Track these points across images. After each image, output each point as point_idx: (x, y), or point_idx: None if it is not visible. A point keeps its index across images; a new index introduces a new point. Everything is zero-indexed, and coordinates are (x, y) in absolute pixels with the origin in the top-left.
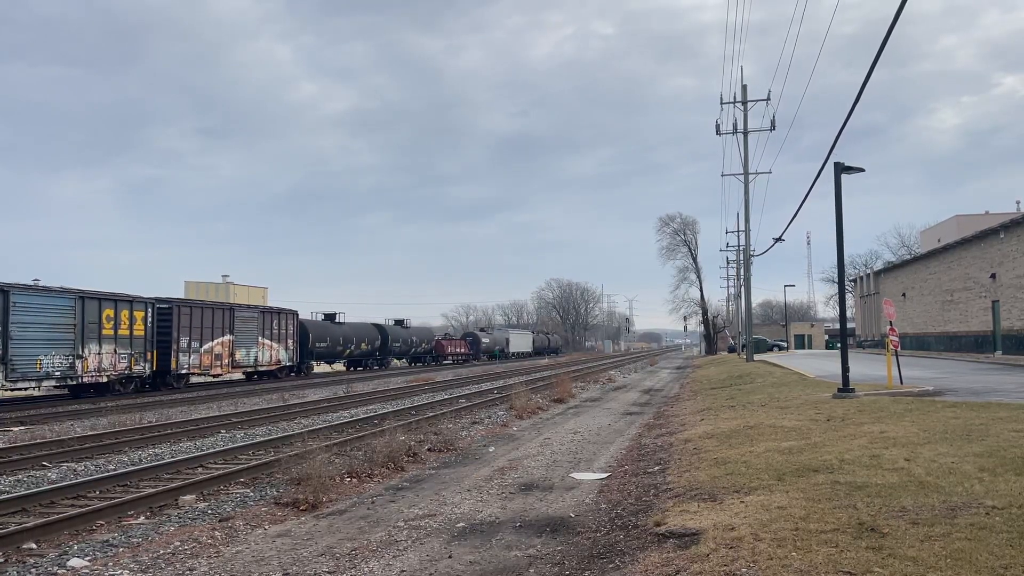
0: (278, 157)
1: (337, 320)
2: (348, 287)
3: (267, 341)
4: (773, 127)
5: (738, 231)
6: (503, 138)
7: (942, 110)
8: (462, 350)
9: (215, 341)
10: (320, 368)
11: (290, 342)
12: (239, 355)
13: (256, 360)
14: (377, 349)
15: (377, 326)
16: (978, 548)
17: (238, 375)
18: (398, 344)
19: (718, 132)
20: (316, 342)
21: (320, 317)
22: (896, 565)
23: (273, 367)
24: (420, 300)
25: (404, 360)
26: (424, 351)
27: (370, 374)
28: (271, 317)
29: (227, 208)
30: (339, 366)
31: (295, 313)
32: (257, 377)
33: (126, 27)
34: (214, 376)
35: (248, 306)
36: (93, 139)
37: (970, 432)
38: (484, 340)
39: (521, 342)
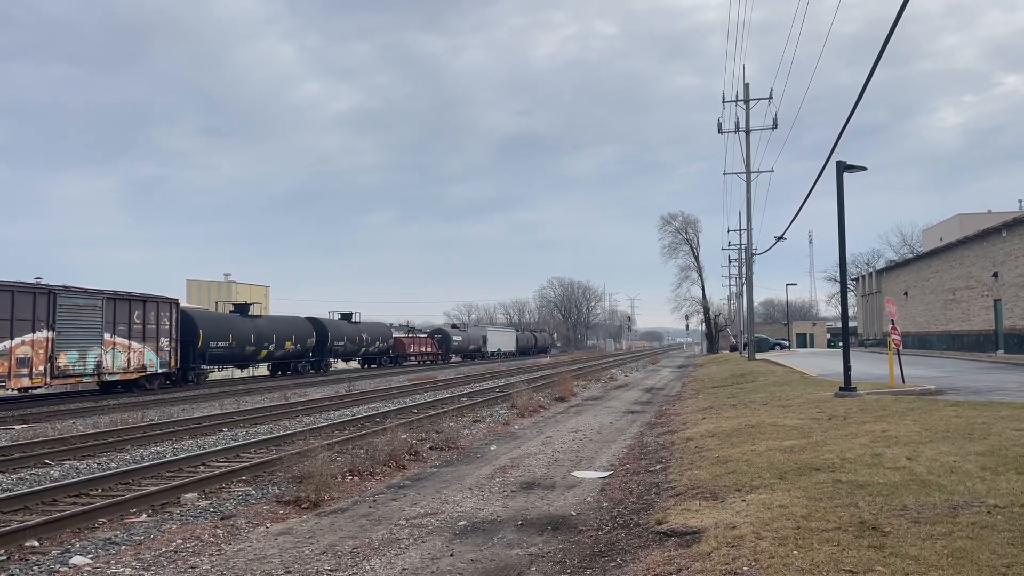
0: (281, 156)
1: (250, 313)
2: (350, 286)
3: (122, 340)
4: (775, 125)
5: (740, 230)
6: (505, 137)
7: (944, 109)
8: (428, 349)
9: (17, 339)
10: (226, 373)
11: (164, 341)
12: (66, 359)
13: (100, 366)
14: (310, 349)
15: (312, 320)
16: (980, 547)
17: (68, 385)
18: (342, 343)
19: (720, 131)
20: (212, 341)
21: (230, 309)
22: (898, 564)
23: (134, 375)
24: (422, 299)
25: (355, 361)
26: (379, 351)
27: (280, 382)
28: (130, 307)
29: (230, 207)
30: (262, 370)
31: (173, 303)
32: (120, 388)
33: (130, 27)
34: (18, 390)
35: (84, 290)
36: (97, 138)
37: (972, 431)
38: (455, 338)
39: (501, 340)
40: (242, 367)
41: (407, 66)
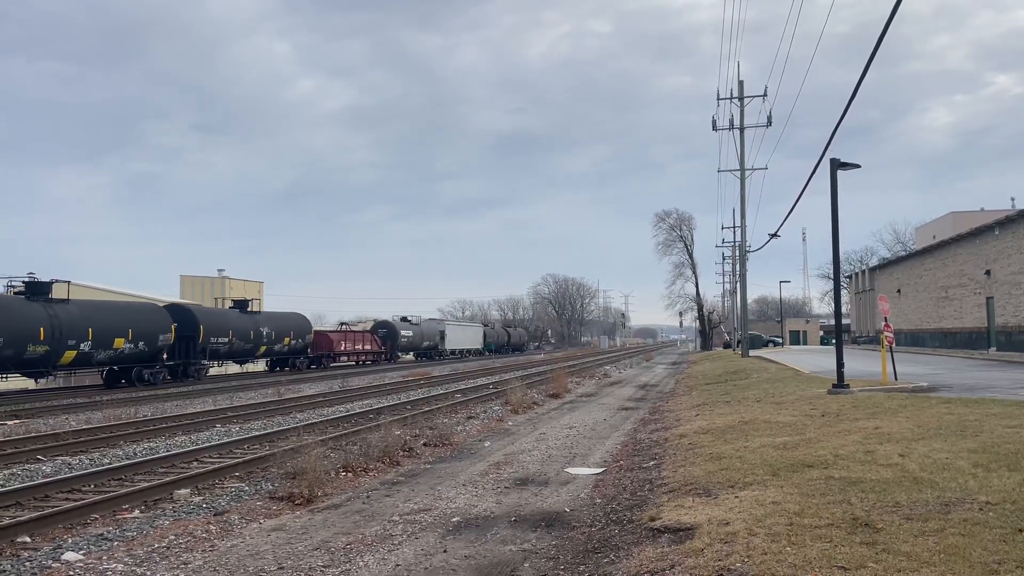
0: (275, 153)
1: (50, 296)
2: (344, 282)
3: None
4: (769, 123)
5: (734, 227)
6: (500, 135)
7: (935, 109)
8: (367, 347)
9: None
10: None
11: None
12: None
13: None
14: (164, 349)
15: (174, 308)
16: (972, 543)
17: None
18: (224, 340)
19: (714, 128)
20: None
21: (17, 290)
22: (890, 560)
23: None
24: (416, 295)
25: (259, 363)
26: (292, 350)
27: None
28: None
29: (224, 204)
30: (95, 377)
31: None
32: None
33: (124, 24)
34: None
35: None
36: (91, 135)
37: (964, 428)
38: (404, 333)
39: (464, 336)
40: (36, 376)
41: (401, 64)
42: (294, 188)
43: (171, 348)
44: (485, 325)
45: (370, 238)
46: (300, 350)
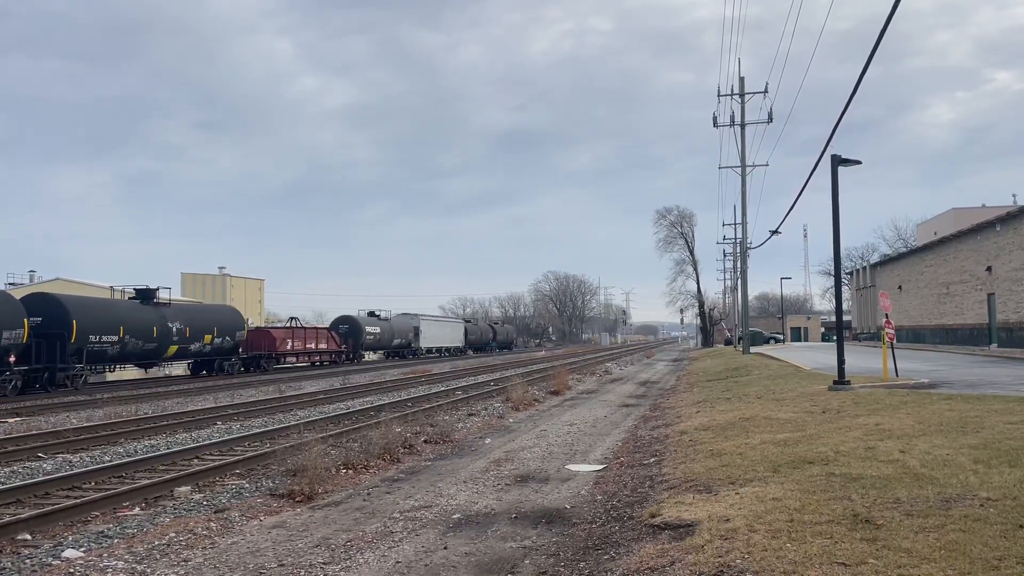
0: (277, 151)
1: None
2: (346, 279)
3: None
4: (770, 119)
5: (735, 224)
6: (501, 132)
7: (936, 105)
8: (322, 345)
9: None
10: None
11: None
12: None
13: None
14: (13, 350)
15: (35, 298)
16: (972, 540)
17: None
18: (112, 339)
19: (715, 124)
20: None
21: None
22: (890, 557)
23: None
24: (418, 293)
25: (179, 366)
26: (219, 349)
27: None
28: None
29: (225, 201)
30: None
31: None
32: None
33: (126, 22)
34: None
35: None
36: (92, 133)
37: (965, 424)
38: (370, 330)
39: (442, 334)
40: None
41: (403, 61)
42: (296, 186)
43: (26, 349)
44: (467, 321)
45: (372, 236)
46: (229, 350)
